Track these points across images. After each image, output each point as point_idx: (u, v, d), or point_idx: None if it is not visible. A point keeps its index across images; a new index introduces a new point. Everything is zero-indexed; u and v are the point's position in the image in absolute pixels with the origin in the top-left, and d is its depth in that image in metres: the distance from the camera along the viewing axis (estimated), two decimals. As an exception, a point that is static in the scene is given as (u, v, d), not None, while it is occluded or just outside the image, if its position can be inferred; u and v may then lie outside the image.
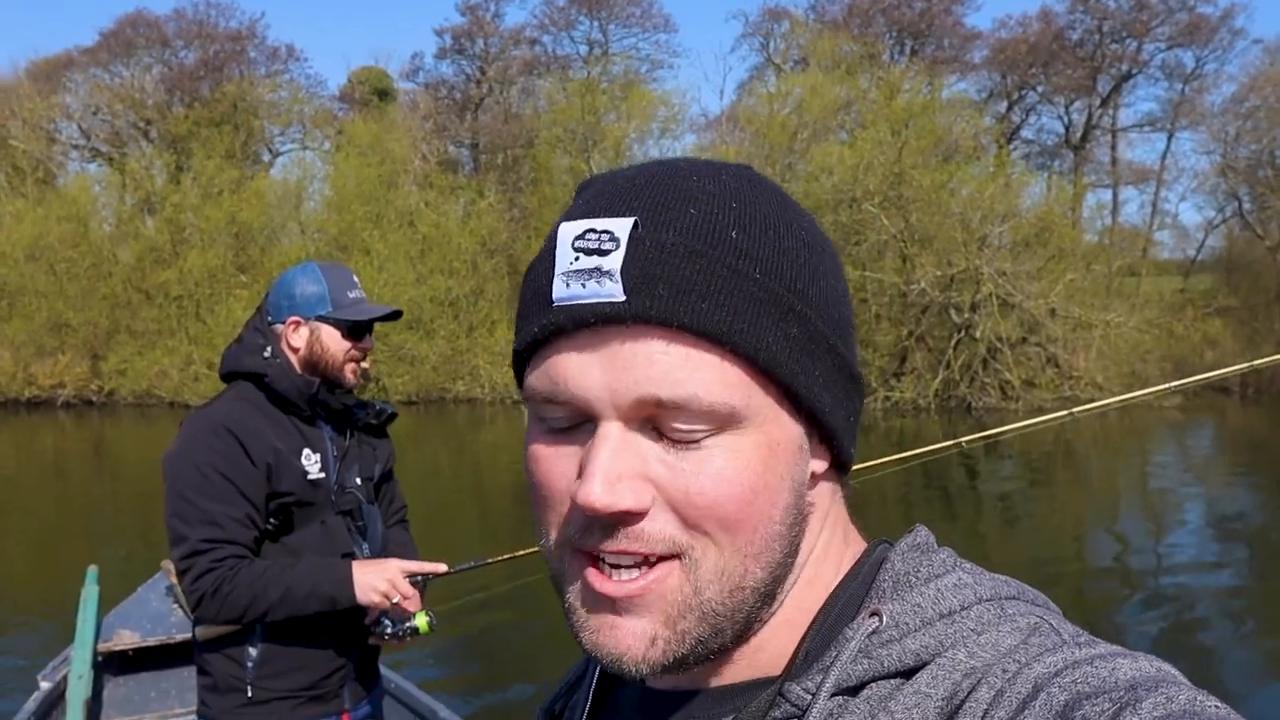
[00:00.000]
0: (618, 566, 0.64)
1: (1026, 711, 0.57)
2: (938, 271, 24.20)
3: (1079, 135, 37.52)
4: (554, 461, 0.66)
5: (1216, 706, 0.54)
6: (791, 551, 0.67)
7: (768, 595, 0.67)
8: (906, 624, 0.64)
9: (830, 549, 0.71)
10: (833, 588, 0.70)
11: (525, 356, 0.68)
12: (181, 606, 5.19)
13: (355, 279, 2.82)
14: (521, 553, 3.52)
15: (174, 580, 5.35)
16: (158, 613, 5.16)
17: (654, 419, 0.62)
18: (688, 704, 0.71)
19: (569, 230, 0.64)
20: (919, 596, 0.66)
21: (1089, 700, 0.55)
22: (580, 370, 0.63)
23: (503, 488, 15.40)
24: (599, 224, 0.63)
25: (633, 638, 0.64)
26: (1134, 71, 36.94)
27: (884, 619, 0.65)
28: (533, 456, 0.68)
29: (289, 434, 2.70)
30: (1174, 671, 0.59)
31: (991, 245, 24.87)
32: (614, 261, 0.61)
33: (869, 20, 36.65)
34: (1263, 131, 30.91)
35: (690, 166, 0.67)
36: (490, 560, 3.43)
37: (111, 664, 4.94)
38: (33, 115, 34.17)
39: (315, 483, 2.70)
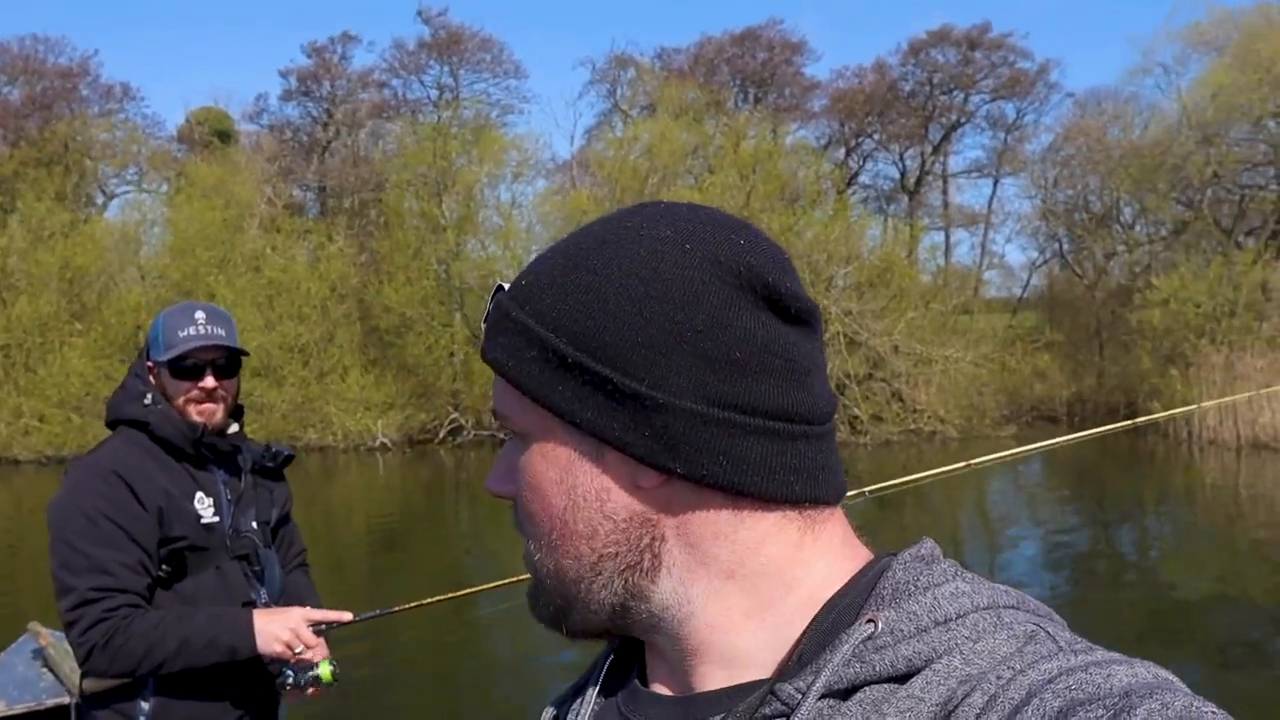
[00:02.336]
0: None
1: (1019, 717, 0.57)
2: (788, 312, 24.90)
3: (913, 180, 39.40)
4: None
5: (1214, 713, 0.54)
6: (626, 551, 0.72)
7: (612, 585, 0.73)
8: (902, 630, 0.66)
9: (773, 571, 0.72)
10: (828, 596, 0.72)
11: None
12: (52, 669, 4.96)
13: (199, 315, 2.67)
14: (429, 600, 3.47)
15: (43, 643, 5.13)
16: (24, 678, 4.92)
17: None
18: (683, 706, 0.74)
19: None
20: (915, 604, 0.67)
21: (1083, 707, 0.56)
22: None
23: (356, 539, 15.06)
24: (496, 296, 0.79)
25: (528, 595, 0.80)
26: (962, 121, 39.16)
27: (879, 625, 0.66)
28: None
29: (179, 478, 2.63)
30: (1171, 678, 0.59)
31: (837, 286, 25.82)
32: (491, 321, 0.78)
33: (714, 69, 37.72)
34: (1077, 178, 32.95)
35: (586, 230, 0.77)
36: (396, 609, 3.38)
37: None
38: None
39: (209, 527, 2.63)
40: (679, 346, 0.69)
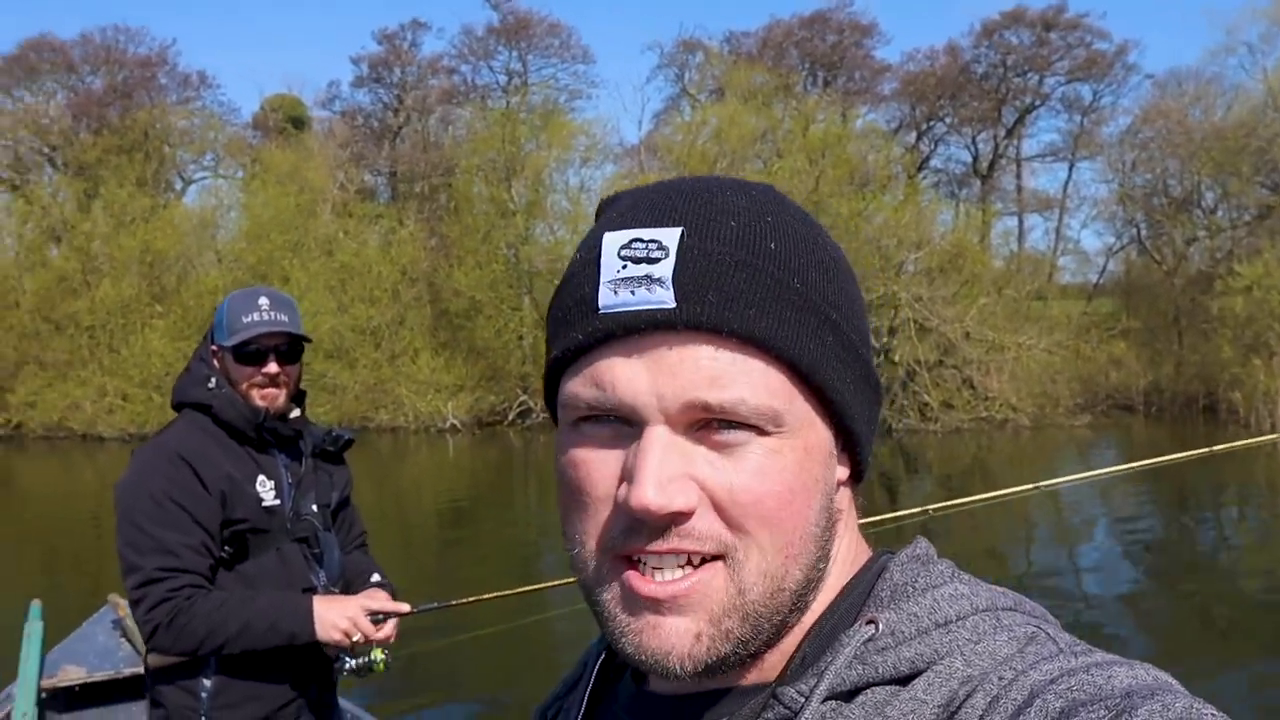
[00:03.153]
0: (659, 568, 0.65)
1: (1021, 718, 0.57)
2: (856, 298, 24.72)
3: (986, 165, 38.73)
4: (595, 466, 0.67)
5: (1213, 715, 0.54)
6: (824, 556, 0.69)
7: (802, 598, 0.68)
8: (903, 632, 0.65)
9: (847, 556, 0.73)
10: (834, 595, 0.71)
11: (561, 365, 0.69)
12: (129, 640, 5.12)
13: (263, 301, 2.69)
14: (488, 595, 3.47)
15: (122, 614, 5.30)
16: (104, 647, 5.06)
17: (699, 423, 0.64)
18: (685, 706, 0.71)
19: (614, 240, 0.65)
20: (915, 606, 0.66)
21: (1085, 708, 0.56)
22: (629, 375, 0.64)
23: (425, 519, 15.28)
24: (645, 233, 0.65)
25: (677, 636, 0.65)
26: (1036, 104, 38.37)
27: (880, 626, 0.65)
28: (571, 463, 0.68)
29: (242, 461, 2.67)
30: (1171, 680, 0.59)
31: (907, 272, 25.51)
32: (664, 269, 0.63)
33: (783, 53, 37.40)
34: (1155, 161, 32.14)
35: (719, 183, 0.69)
36: (454, 602, 3.39)
37: (56, 701, 4.80)
38: (-69, 141, 33.12)
39: (270, 509, 2.67)
40: (869, 333, 0.72)
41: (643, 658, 0.66)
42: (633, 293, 0.64)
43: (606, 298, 0.64)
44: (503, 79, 37.52)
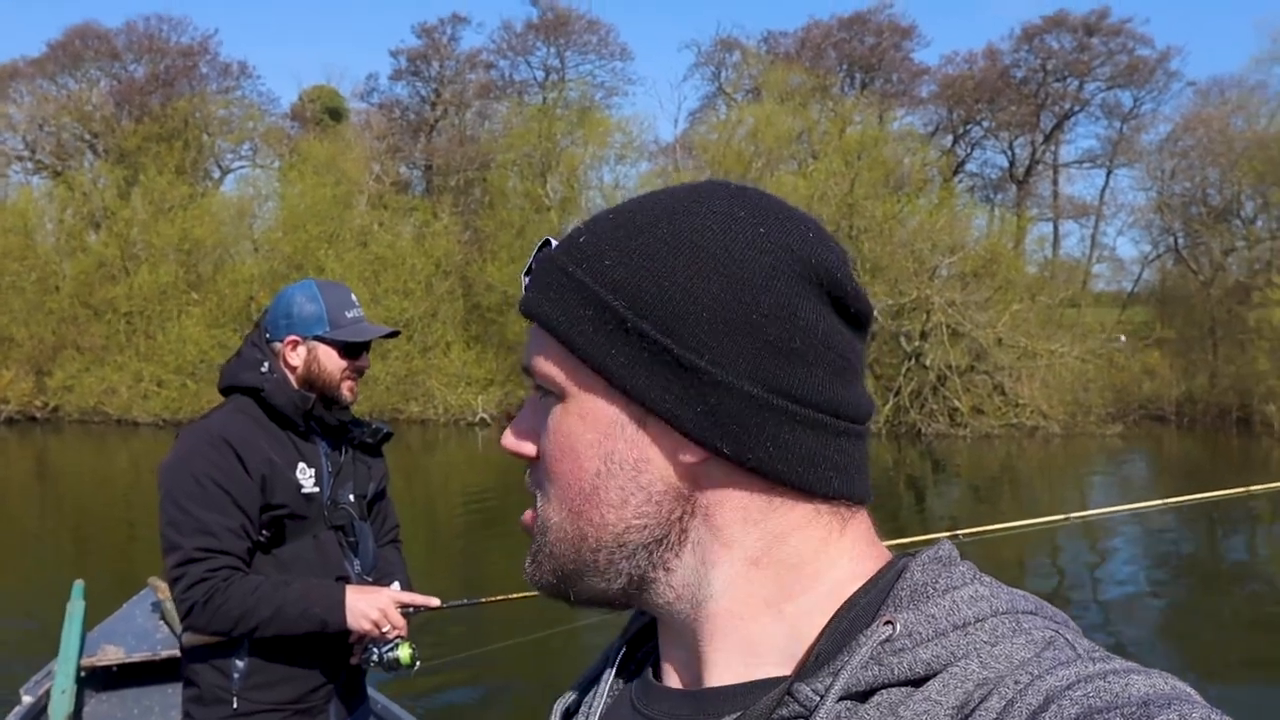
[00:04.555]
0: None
1: None
2: (889, 300, 24.64)
3: (1022, 170, 38.45)
4: None
5: None
6: (656, 523, 0.71)
7: (638, 557, 0.72)
8: (920, 633, 0.65)
9: (797, 563, 0.72)
10: (849, 594, 0.72)
11: None
12: (168, 623, 5.19)
13: (354, 298, 2.81)
14: (515, 596, 3.41)
15: (161, 596, 5.39)
16: (143, 629, 5.11)
17: (539, 387, 0.76)
18: (696, 701, 0.73)
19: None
20: (934, 607, 0.67)
21: (1100, 714, 0.56)
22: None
23: (454, 512, 15.36)
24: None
25: (527, 558, 0.78)
26: (1075, 110, 38.04)
27: (897, 627, 0.66)
28: None
29: (284, 448, 2.69)
30: (1189, 690, 0.59)
31: (941, 275, 25.40)
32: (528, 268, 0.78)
33: (820, 53, 37.28)
34: (1195, 170, 31.80)
35: (650, 198, 0.76)
36: (484, 599, 3.38)
37: (95, 680, 4.86)
38: (-24, 127, 33.62)
39: (309, 496, 2.70)
40: (743, 327, 0.68)
41: None
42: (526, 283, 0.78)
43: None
44: (540, 74, 37.67)
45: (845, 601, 0.71)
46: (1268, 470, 20.76)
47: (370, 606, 2.65)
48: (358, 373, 2.79)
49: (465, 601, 3.21)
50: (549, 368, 0.73)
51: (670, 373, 0.69)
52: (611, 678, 0.83)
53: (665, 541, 0.72)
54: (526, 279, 0.76)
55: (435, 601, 2.83)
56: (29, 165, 35.69)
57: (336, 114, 38.37)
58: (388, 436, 2.99)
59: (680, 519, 0.71)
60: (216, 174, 37.48)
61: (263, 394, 2.69)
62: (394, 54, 39.57)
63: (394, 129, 37.50)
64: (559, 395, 0.73)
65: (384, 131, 36.49)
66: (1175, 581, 11.18)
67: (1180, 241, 32.63)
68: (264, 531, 2.65)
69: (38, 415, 27.12)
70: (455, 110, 38.17)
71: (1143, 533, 14.03)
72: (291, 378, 2.73)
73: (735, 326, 0.68)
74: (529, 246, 28.38)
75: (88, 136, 35.57)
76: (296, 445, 2.73)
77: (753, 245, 0.70)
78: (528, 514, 0.77)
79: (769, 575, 0.71)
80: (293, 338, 2.73)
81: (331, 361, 2.73)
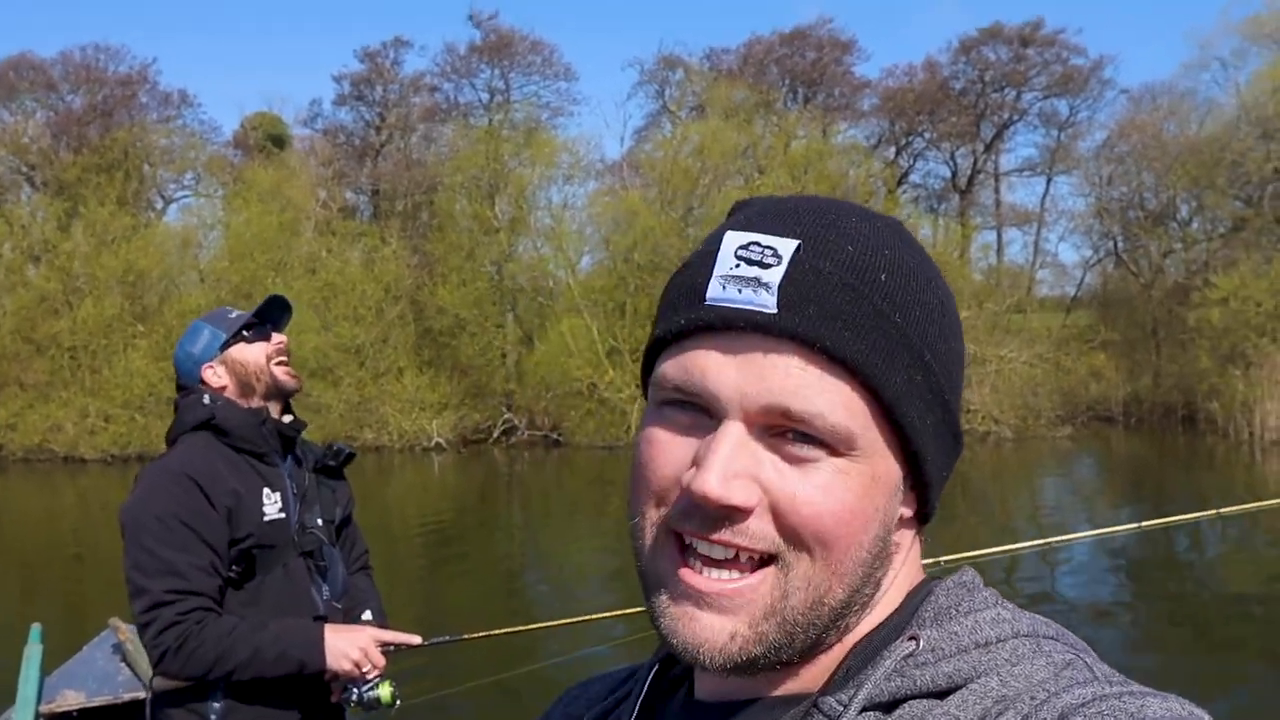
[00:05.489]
0: (709, 564, 0.68)
1: None
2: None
3: (964, 179, 39.04)
4: (668, 448, 0.70)
5: None
6: (871, 583, 0.71)
7: (841, 617, 0.70)
8: (943, 649, 0.67)
9: (902, 587, 0.74)
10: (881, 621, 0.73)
11: (661, 347, 0.73)
12: (130, 665, 5.11)
13: (230, 308, 2.85)
14: (499, 631, 3.42)
15: (122, 638, 5.30)
16: (104, 672, 5.01)
17: (775, 429, 0.67)
18: (730, 714, 0.73)
19: (734, 239, 0.68)
20: (957, 626, 0.68)
21: None
22: (718, 367, 0.67)
23: (412, 538, 15.21)
24: (765, 239, 0.68)
25: (712, 632, 0.67)
26: (1014, 119, 38.76)
27: (921, 643, 0.67)
28: (647, 439, 0.71)
29: (247, 475, 2.65)
30: (1204, 715, 0.59)
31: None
32: (774, 276, 0.66)
33: (763, 69, 37.61)
34: (1132, 175, 32.50)
35: (848, 208, 0.72)
36: (465, 636, 3.36)
37: None
38: (-92, 160, 32.92)
39: (275, 523, 2.65)
40: (961, 385, 0.74)
41: (674, 642, 0.69)
42: (739, 291, 0.67)
43: (715, 291, 0.68)
44: (485, 96, 37.61)
45: (881, 623, 0.72)
46: (1213, 466, 21.22)
47: (350, 646, 2.61)
48: (278, 350, 2.76)
49: (448, 639, 3.18)
50: (845, 419, 0.66)
51: (952, 443, 0.73)
52: (644, 694, 0.81)
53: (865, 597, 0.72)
54: (767, 289, 0.66)
55: (416, 639, 2.80)
56: (-37, 200, 34.99)
57: (280, 141, 38.05)
58: (350, 458, 2.96)
59: (881, 575, 0.73)
60: (159, 204, 37.00)
61: (214, 422, 2.65)
62: (337, 79, 39.33)
63: (339, 154, 37.25)
64: (843, 451, 0.66)
65: (329, 157, 36.24)
66: (1129, 579, 11.37)
67: (1120, 245, 33.33)
68: (234, 567, 2.60)
69: (-20, 455, 26.56)
70: (400, 134, 38.01)
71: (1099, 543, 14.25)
72: (233, 397, 2.71)
73: (960, 386, 0.73)
74: (478, 269, 28.40)
75: (25, 169, 34.92)
76: (259, 471, 2.69)
77: (953, 300, 0.75)
78: (731, 587, 0.68)
79: (864, 605, 0.73)
80: (206, 366, 2.74)
81: (250, 355, 2.72)
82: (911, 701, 0.66)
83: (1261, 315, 24.00)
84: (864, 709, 0.66)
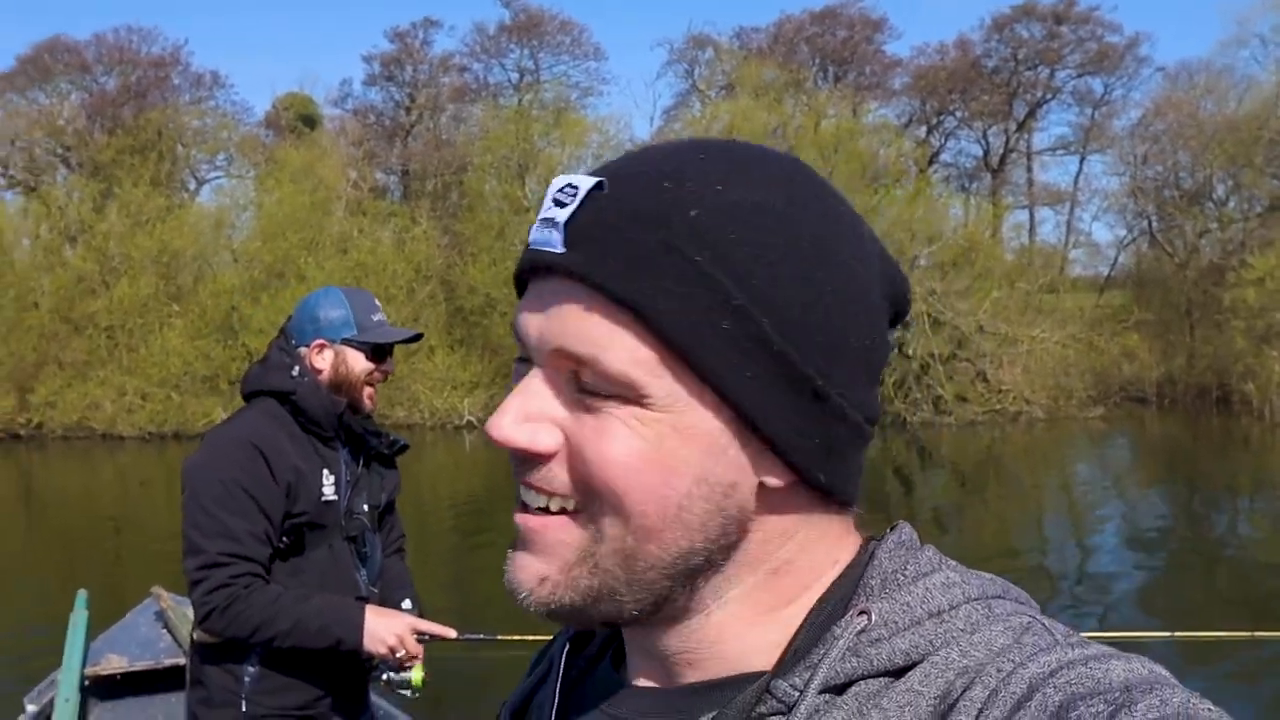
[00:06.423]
0: (526, 510, 0.67)
1: (1022, 711, 0.57)
2: (869, 292, 24.77)
3: (997, 158, 38.72)
4: None
5: (1209, 710, 0.55)
6: (716, 549, 0.66)
7: (680, 580, 0.66)
8: (895, 623, 0.64)
9: (807, 569, 0.70)
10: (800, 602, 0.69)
11: None
12: (171, 631, 5.23)
13: (377, 303, 2.83)
14: (531, 637, 3.38)
15: (164, 605, 5.42)
16: (146, 638, 5.13)
17: (577, 375, 0.64)
18: (667, 698, 0.70)
19: (556, 183, 0.65)
20: (908, 595, 0.65)
21: (1084, 701, 0.56)
22: (526, 314, 0.66)
23: (443, 516, 15.33)
24: (574, 179, 0.64)
25: (526, 573, 0.66)
26: (1047, 97, 38.35)
27: (873, 617, 0.64)
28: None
29: (309, 454, 2.70)
30: (1165, 673, 0.59)
31: (920, 266, 25.58)
32: (564, 214, 0.63)
33: (793, 48, 37.42)
34: (1167, 154, 32.10)
35: (703, 145, 0.67)
36: (500, 636, 3.38)
37: (98, 689, 4.87)
38: (-54, 144, 33.38)
39: (328, 504, 2.72)
40: (861, 355, 0.65)
41: (507, 588, 0.68)
42: (540, 233, 0.64)
43: (531, 235, 0.65)
44: (515, 76, 37.68)
45: (822, 594, 0.69)
46: (1248, 448, 21.02)
47: (388, 631, 2.67)
48: (383, 376, 2.81)
49: (482, 636, 3.23)
50: (630, 367, 0.61)
51: (804, 402, 0.63)
52: (560, 678, 0.79)
53: (715, 564, 0.66)
54: (556, 227, 0.63)
55: (451, 633, 2.86)
56: (1, 182, 35.46)
57: (311, 121, 38.26)
58: (404, 448, 3.02)
59: (735, 540, 0.66)
60: (192, 185, 37.34)
61: (293, 397, 2.70)
62: (366, 59, 39.57)
63: (369, 134, 37.41)
64: (637, 400, 0.62)
65: (359, 137, 36.40)
66: (1162, 560, 11.33)
67: (1154, 225, 32.95)
68: (284, 538, 2.67)
69: (21, 433, 26.94)
70: (430, 114, 38.12)
71: (1129, 517, 14.20)
72: (320, 383, 2.74)
73: (857, 355, 0.65)
74: (509, 248, 28.46)
75: (60, 151, 35.32)
76: (319, 452, 2.74)
77: (864, 261, 0.66)
78: (535, 520, 0.67)
79: (781, 584, 0.69)
80: (320, 341, 2.75)
81: (359, 364, 2.76)
82: (865, 680, 0.63)
83: (1298, 295, 23.71)
84: (818, 692, 0.63)
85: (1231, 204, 30.41)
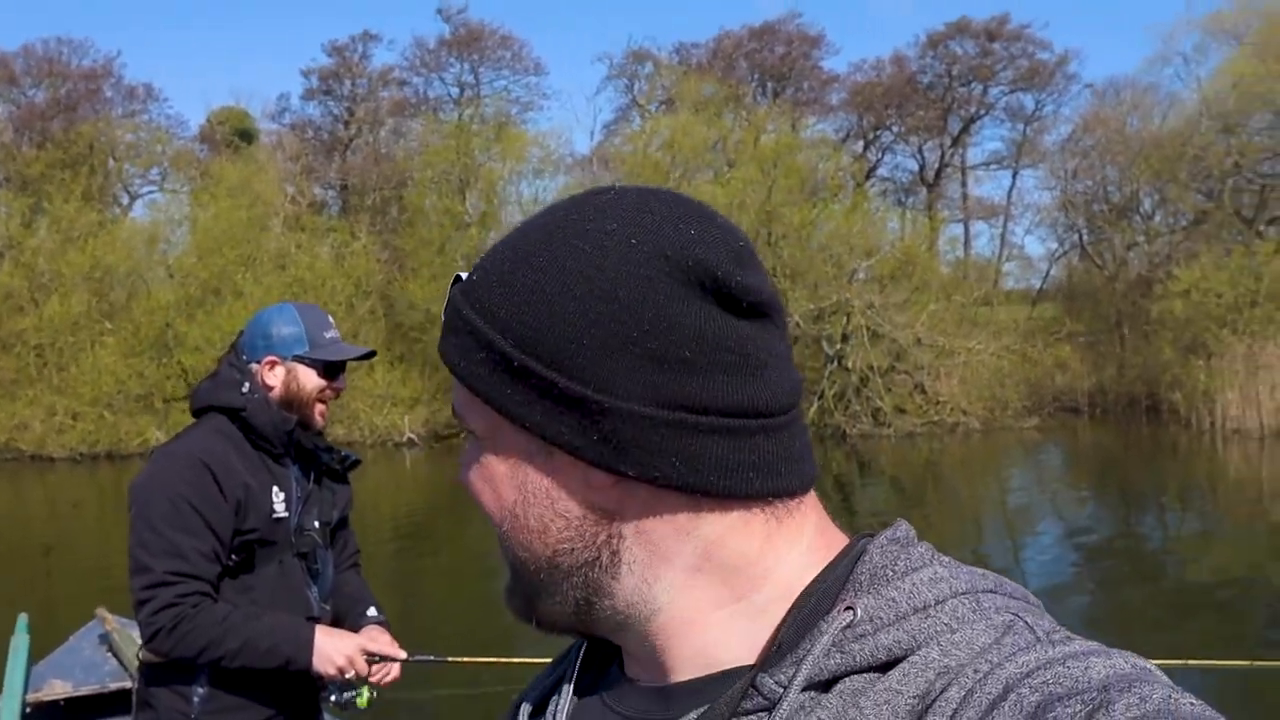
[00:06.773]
0: None
1: (996, 712, 0.57)
2: (810, 305, 25.06)
3: (932, 173, 39.42)
4: None
5: (1191, 704, 0.54)
6: (582, 547, 0.71)
7: (569, 577, 0.72)
8: (880, 618, 0.65)
9: (745, 561, 0.71)
10: (804, 585, 0.71)
11: None
12: (116, 654, 5.15)
13: (330, 320, 2.82)
14: (484, 659, 3.43)
15: (109, 628, 5.34)
16: (90, 661, 5.05)
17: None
18: (663, 696, 0.73)
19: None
20: (894, 590, 0.66)
21: (1060, 702, 0.55)
22: None
23: (383, 534, 15.18)
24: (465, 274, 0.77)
25: (505, 589, 0.80)
26: (981, 113, 39.17)
27: (858, 612, 0.65)
28: None
29: (258, 470, 2.69)
30: (1150, 668, 0.59)
31: (859, 279, 25.92)
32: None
33: (732, 63, 37.81)
34: (1096, 169, 32.85)
35: (535, 222, 0.75)
36: (450, 659, 3.42)
37: (41, 715, 4.78)
38: None
39: (278, 521, 2.70)
40: (625, 348, 0.66)
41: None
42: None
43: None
44: (455, 91, 37.58)
45: (804, 590, 0.70)
46: (1176, 456, 21.58)
47: (337, 652, 2.67)
48: (335, 394, 2.80)
49: (432, 658, 3.24)
50: (464, 409, 0.74)
51: (561, 406, 0.67)
52: (575, 676, 0.82)
53: (597, 564, 0.71)
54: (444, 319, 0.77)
55: (401, 654, 2.84)
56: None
57: (247, 135, 37.77)
58: (355, 464, 3.00)
59: (608, 540, 0.70)
60: (125, 200, 36.62)
61: (244, 414, 2.68)
62: (305, 73, 39.17)
63: (307, 149, 37.04)
64: (474, 434, 0.74)
65: (297, 152, 36.02)
66: (1095, 568, 11.59)
67: (1084, 238, 33.71)
68: (233, 556, 2.64)
69: (-55, 454, 26.23)
70: (369, 128, 37.85)
71: (1062, 526, 14.50)
72: (271, 400, 2.72)
73: (616, 348, 0.66)
74: (450, 264, 28.30)
75: (-14, 165, 34.51)
76: (270, 468, 2.73)
77: (625, 260, 0.67)
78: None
79: (714, 579, 0.70)
80: (271, 358, 2.73)
81: (310, 381, 2.74)
82: (851, 676, 0.64)
83: (1222, 307, 24.36)
84: (803, 688, 0.65)
85: (1158, 218, 31.26)
